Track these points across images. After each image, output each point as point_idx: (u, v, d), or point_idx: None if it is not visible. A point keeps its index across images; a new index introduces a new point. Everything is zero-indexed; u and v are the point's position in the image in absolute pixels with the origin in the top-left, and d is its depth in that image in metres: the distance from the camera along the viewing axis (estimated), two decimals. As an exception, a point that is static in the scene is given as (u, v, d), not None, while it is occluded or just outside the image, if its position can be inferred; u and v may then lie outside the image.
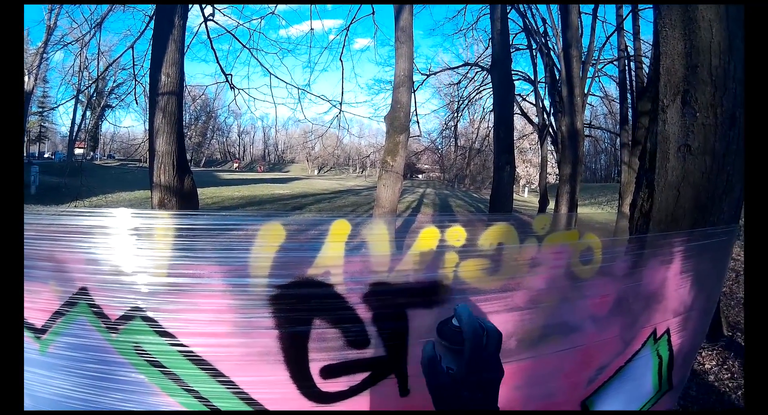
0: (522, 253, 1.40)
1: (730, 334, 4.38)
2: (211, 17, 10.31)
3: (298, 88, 11.45)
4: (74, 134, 31.65)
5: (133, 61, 11.46)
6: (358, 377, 1.23)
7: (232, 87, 11.30)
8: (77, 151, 34.53)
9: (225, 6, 11.25)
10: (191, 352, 1.14)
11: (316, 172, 66.23)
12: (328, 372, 1.20)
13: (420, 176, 60.48)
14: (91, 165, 34.57)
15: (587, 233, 1.48)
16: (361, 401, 1.24)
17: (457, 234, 1.31)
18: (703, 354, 3.95)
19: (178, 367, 1.15)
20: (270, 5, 11.85)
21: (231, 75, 11.16)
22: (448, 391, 0.84)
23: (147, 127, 6.71)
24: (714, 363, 3.85)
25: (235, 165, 68.25)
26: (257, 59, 11.56)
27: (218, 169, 58.86)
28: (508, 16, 14.77)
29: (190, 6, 8.10)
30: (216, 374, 1.16)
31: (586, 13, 14.56)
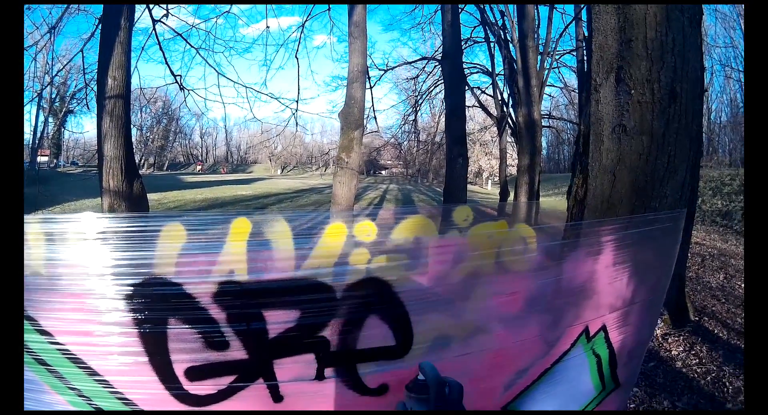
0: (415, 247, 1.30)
1: (697, 319, 4.34)
2: (161, 19, 10.02)
3: (246, 87, 11.19)
4: (37, 141, 30.77)
5: (83, 65, 11.23)
6: (224, 381, 1.20)
7: (182, 88, 11.09)
8: (41, 158, 33.70)
9: (175, 6, 10.92)
10: (68, 350, 1.15)
11: (279, 171, 65.69)
12: (193, 374, 1.18)
13: (383, 172, 60.67)
14: (55, 173, 33.60)
15: (519, 223, 1.41)
16: (233, 406, 1.21)
17: (366, 229, 1.24)
18: (670, 340, 3.90)
19: (60, 365, 1.16)
20: (225, 4, 11.55)
21: (180, 76, 10.95)
22: None
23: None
24: (681, 349, 3.79)
25: (198, 167, 67.59)
26: (205, 59, 11.43)
27: (181, 172, 58.06)
28: (466, 8, 14.85)
29: (138, 7, 7.96)
30: (92, 372, 1.16)
31: (543, 4, 14.69)
